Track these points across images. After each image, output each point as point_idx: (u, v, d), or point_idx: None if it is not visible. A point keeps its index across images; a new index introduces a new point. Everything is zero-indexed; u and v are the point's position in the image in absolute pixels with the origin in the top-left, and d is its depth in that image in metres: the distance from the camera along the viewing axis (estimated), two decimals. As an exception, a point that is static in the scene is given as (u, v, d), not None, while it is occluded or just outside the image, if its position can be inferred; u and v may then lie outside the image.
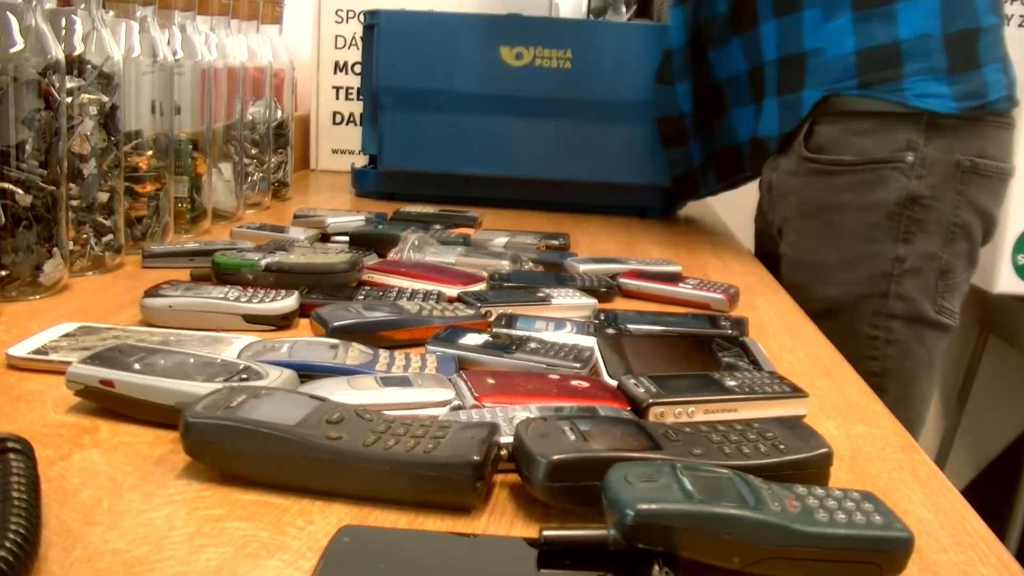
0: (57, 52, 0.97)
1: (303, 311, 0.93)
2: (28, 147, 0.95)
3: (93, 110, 1.06)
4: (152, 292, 0.91)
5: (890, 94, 1.32)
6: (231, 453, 0.57)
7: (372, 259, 1.15)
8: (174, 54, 1.27)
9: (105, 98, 1.08)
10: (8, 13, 0.94)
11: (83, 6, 1.07)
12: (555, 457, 0.55)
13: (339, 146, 2.16)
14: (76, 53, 1.05)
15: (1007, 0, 2.47)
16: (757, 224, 1.71)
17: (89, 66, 1.06)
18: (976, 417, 2.72)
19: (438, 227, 1.39)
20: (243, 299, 0.90)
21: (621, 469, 0.52)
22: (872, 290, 1.35)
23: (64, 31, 1.05)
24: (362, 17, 1.95)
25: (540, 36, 1.69)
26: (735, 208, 1.86)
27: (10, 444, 0.52)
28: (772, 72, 1.46)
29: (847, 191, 1.36)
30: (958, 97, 1.30)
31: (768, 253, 1.58)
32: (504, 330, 0.88)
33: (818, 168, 1.39)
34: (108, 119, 1.08)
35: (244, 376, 0.67)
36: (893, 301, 1.35)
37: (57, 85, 0.97)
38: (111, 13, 1.15)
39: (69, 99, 1.02)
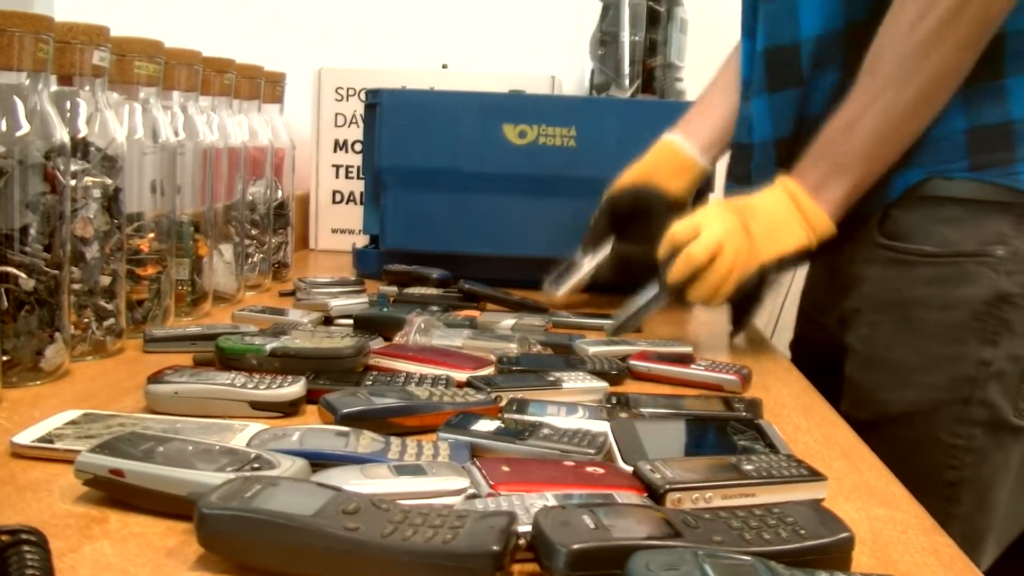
0: (62, 135, 0.97)
1: (309, 397, 0.92)
2: (32, 231, 0.94)
3: (97, 193, 1.06)
4: (156, 378, 0.90)
5: (1003, 178, 1.22)
6: (248, 544, 0.56)
7: (378, 343, 1.14)
8: (176, 134, 1.27)
9: (109, 181, 1.07)
10: (15, 96, 0.94)
11: (87, 88, 1.07)
12: (575, 546, 0.54)
13: (339, 225, 2.15)
14: (80, 135, 1.05)
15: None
16: (803, 306, 1.59)
17: (93, 148, 1.06)
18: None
19: (435, 308, 1.37)
20: (249, 385, 0.89)
21: (642, 557, 0.52)
22: (954, 395, 1.23)
23: (68, 114, 1.05)
24: (362, 95, 1.96)
25: (543, 114, 1.69)
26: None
27: (24, 536, 0.51)
28: None
29: (928, 285, 1.25)
30: None
31: (808, 336, 1.52)
32: (515, 415, 0.87)
33: (895, 257, 1.28)
34: (111, 202, 1.08)
35: (256, 465, 0.66)
36: (976, 407, 1.22)
37: (62, 168, 0.97)
38: (115, 95, 1.15)
39: (73, 182, 1.02)
